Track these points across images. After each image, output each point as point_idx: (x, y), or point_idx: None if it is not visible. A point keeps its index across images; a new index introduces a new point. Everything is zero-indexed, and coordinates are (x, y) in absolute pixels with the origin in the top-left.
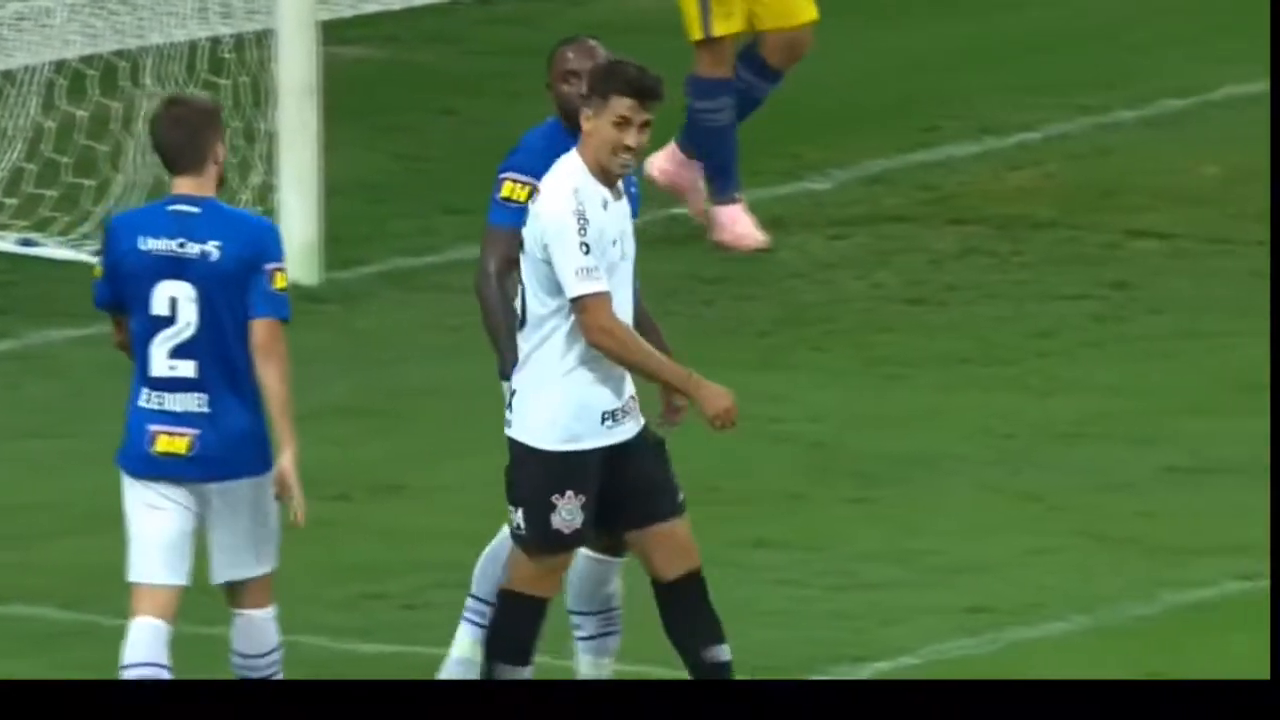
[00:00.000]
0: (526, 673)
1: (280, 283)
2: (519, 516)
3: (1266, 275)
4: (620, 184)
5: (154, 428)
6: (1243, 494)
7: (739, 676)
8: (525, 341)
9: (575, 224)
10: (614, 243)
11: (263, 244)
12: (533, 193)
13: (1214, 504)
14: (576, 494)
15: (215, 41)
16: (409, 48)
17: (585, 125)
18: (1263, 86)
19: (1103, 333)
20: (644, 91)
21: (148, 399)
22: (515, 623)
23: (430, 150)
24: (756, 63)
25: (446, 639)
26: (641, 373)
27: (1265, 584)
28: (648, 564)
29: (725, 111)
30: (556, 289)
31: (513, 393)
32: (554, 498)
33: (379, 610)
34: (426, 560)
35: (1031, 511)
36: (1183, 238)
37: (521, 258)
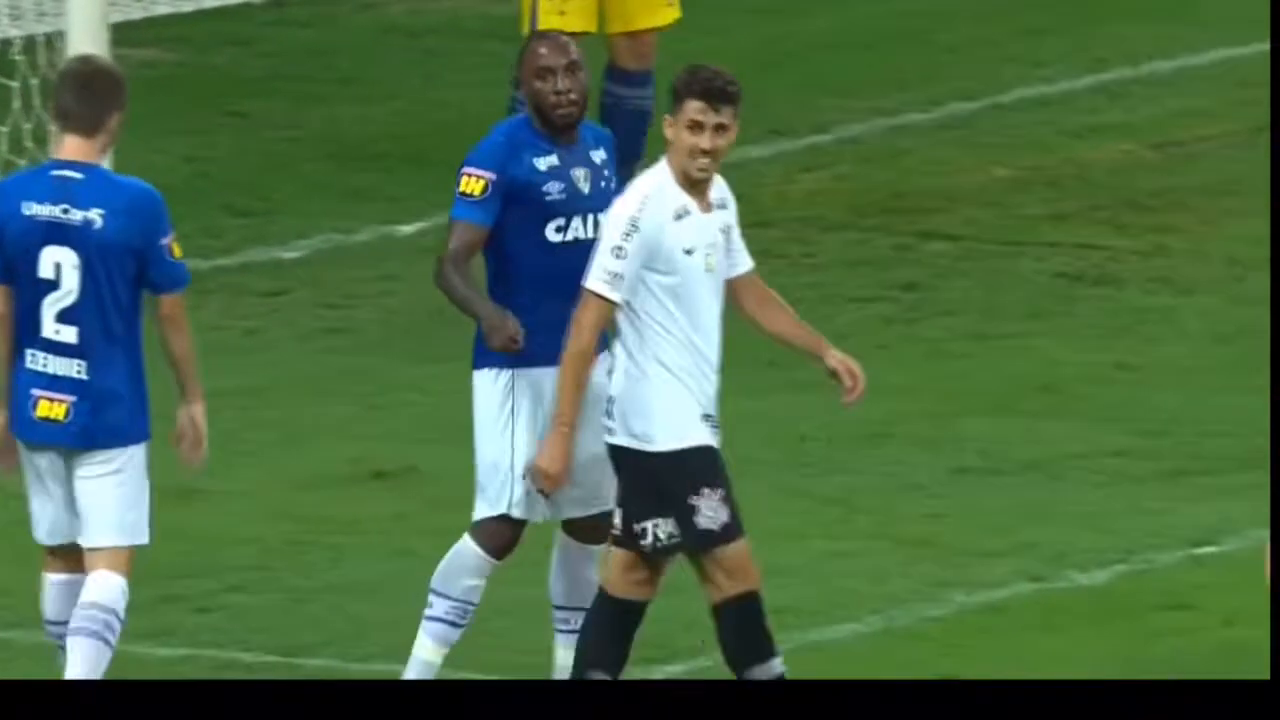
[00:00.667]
0: (777, 664)
1: (177, 252)
2: (670, 524)
3: (1058, 276)
4: (711, 194)
5: (36, 392)
6: (1034, 495)
7: (541, 678)
8: (619, 347)
9: (623, 227)
10: (688, 252)
11: (150, 216)
12: (487, 186)
13: (1005, 505)
14: (712, 489)
15: (5, 43)
16: (199, 50)
17: (667, 133)
18: (1051, 89)
19: (894, 335)
20: (711, 93)
21: (33, 359)
22: (744, 626)
23: (219, 152)
24: (613, 72)
25: (239, 642)
26: (560, 386)
27: (1056, 585)
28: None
29: None
30: (644, 293)
31: (610, 399)
32: (691, 499)
33: (172, 614)
34: (219, 564)
35: (828, 514)
36: (973, 240)
37: None
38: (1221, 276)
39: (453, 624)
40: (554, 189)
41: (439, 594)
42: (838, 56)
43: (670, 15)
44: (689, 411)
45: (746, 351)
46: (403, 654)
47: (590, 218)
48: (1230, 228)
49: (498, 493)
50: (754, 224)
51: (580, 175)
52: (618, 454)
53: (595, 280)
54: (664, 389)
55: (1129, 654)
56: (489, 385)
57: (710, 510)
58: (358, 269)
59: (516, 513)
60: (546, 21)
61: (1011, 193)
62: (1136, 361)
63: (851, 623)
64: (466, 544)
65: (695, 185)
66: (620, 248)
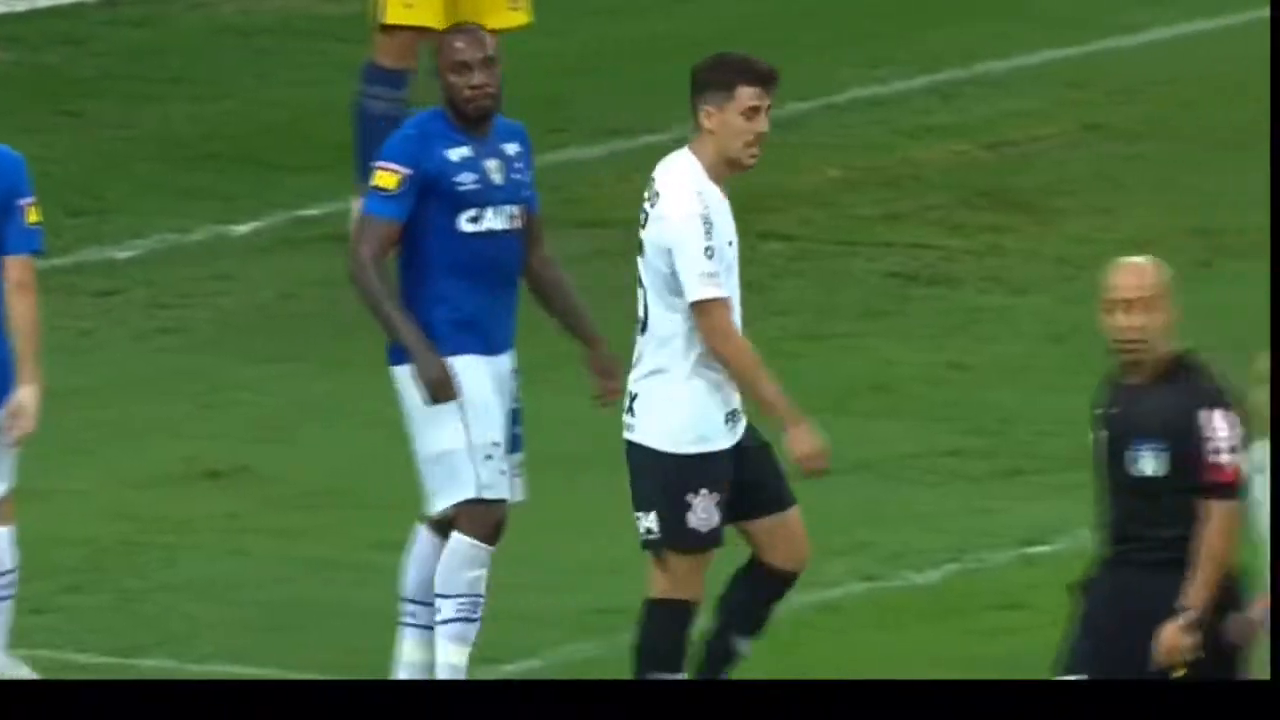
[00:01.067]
0: (681, 677)
1: (33, 217)
2: (650, 519)
3: (892, 276)
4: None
5: None
6: (868, 494)
7: (376, 678)
8: (645, 344)
9: (700, 228)
10: (730, 243)
11: (13, 179)
12: (402, 180)
13: (840, 505)
14: (711, 492)
15: None
16: (33, 49)
17: (707, 123)
18: (884, 90)
19: None
20: (767, 77)
21: None
22: (665, 630)
23: (53, 152)
24: None
25: (73, 643)
26: (746, 385)
27: (890, 584)
28: (766, 549)
29: (383, 101)
30: (680, 291)
31: (633, 396)
32: (689, 497)
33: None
34: (53, 565)
35: None
36: (807, 239)
37: (640, 261)
38: (1055, 276)
39: (466, 620)
40: (467, 180)
41: (445, 596)
42: (673, 57)
43: (517, 19)
44: (714, 413)
45: (568, 351)
46: (237, 654)
47: (504, 209)
48: (1063, 227)
49: (461, 480)
50: (589, 224)
51: (493, 166)
52: (635, 451)
53: (701, 289)
54: (692, 387)
55: (964, 653)
56: None
57: (704, 512)
58: (191, 269)
59: (489, 494)
60: (394, 15)
61: (845, 193)
62: (970, 361)
63: None
64: (456, 539)
65: (737, 171)
66: (710, 247)
